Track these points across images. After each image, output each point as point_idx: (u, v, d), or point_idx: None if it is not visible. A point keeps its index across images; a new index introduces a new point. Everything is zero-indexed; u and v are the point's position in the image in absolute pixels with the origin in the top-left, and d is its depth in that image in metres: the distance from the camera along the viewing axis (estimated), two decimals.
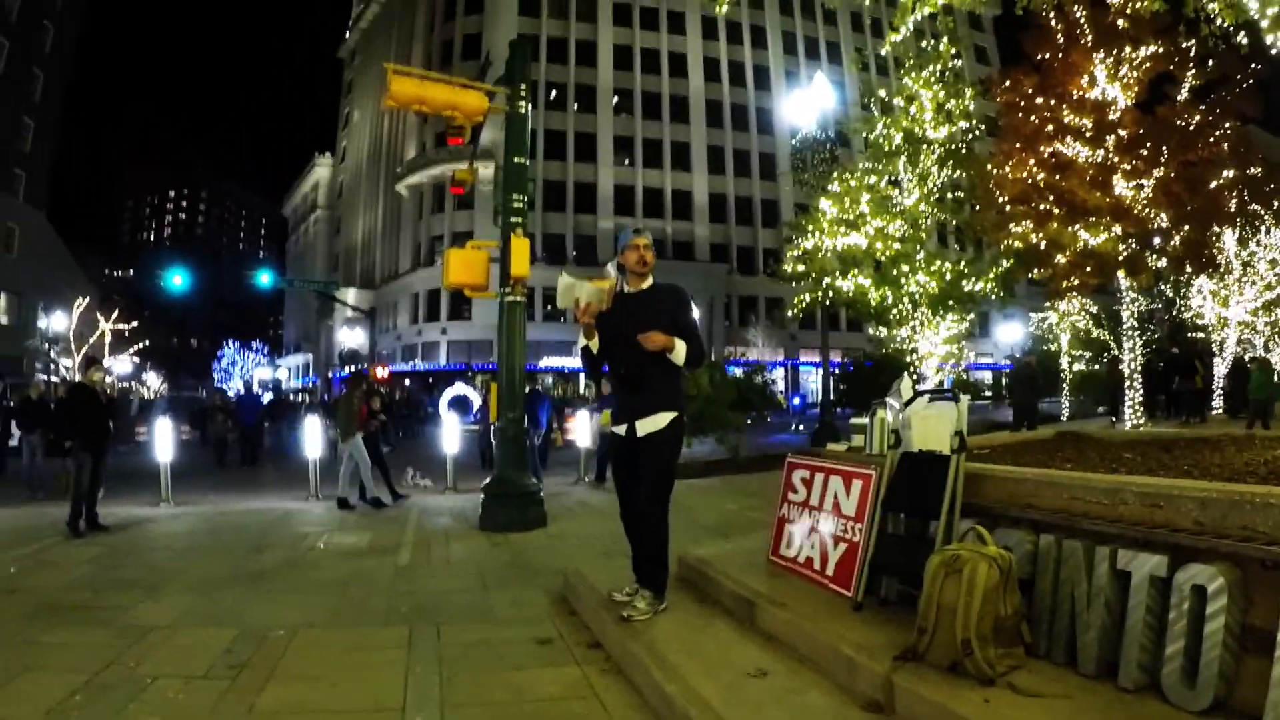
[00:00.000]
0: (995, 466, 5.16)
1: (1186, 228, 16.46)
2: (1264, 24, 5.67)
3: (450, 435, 16.65)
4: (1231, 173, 16.45)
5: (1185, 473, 5.05)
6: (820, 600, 5.28)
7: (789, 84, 64.48)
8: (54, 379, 46.55)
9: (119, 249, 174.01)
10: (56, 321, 53.01)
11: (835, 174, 21.58)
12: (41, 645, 5.81)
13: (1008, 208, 17.85)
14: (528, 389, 13.03)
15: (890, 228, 19.95)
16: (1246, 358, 24.57)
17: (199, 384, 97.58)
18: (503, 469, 11.41)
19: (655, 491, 5.55)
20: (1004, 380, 50.56)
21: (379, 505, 13.11)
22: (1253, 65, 15.22)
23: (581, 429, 17.64)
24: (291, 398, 61.04)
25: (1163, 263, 17.56)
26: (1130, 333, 17.88)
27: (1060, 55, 16.52)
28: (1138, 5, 14.61)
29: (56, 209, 59.67)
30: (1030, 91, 17.02)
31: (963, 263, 20.76)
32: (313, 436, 15.38)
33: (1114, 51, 15.93)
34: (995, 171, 18.21)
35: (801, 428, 34.18)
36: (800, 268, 22.06)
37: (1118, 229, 16.08)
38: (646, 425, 5.52)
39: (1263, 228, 22.96)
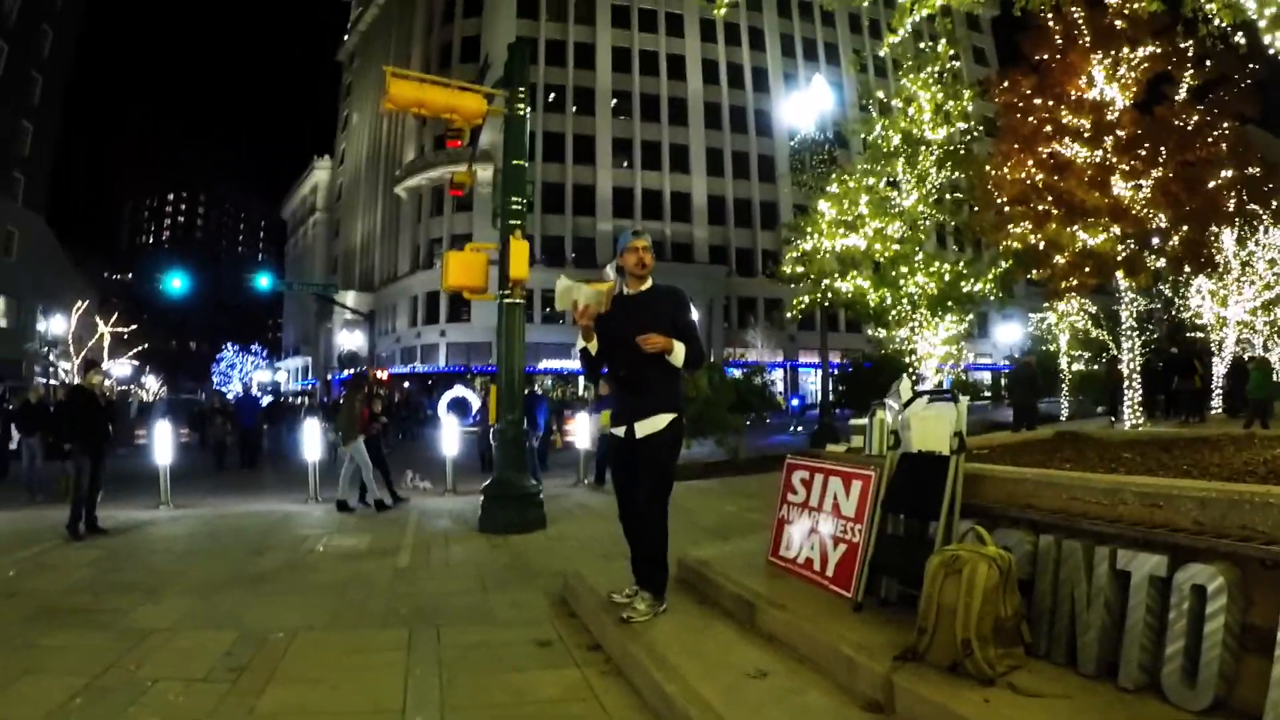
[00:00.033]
0: (994, 467, 5.16)
1: (1185, 228, 16.46)
2: (1262, 24, 5.68)
3: (449, 437, 16.64)
4: (1230, 173, 16.45)
5: (1184, 472, 5.05)
6: (820, 601, 5.28)
7: (787, 86, 64.67)
8: (53, 382, 46.52)
9: (118, 252, 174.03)
10: (55, 325, 52.97)
11: (834, 175, 21.61)
12: (41, 648, 5.80)
13: (1006, 208, 17.85)
14: (525, 391, 13.03)
15: (889, 229, 19.97)
16: (1245, 357, 24.57)
17: (198, 387, 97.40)
18: (502, 471, 11.42)
19: (654, 493, 5.55)
20: (1003, 381, 50.57)
21: (381, 508, 13.10)
22: (1251, 65, 15.22)
23: (581, 431, 17.65)
24: (291, 400, 60.89)
25: (1161, 263, 17.56)
26: (1129, 333, 17.90)
27: (1058, 56, 16.53)
28: (1136, 6, 14.66)
29: (55, 212, 59.66)
30: (1028, 92, 17.03)
31: (961, 263, 20.79)
32: (312, 439, 15.38)
33: (1112, 52, 15.94)
34: (994, 172, 18.20)
35: (800, 429, 34.18)
36: (799, 269, 22.07)
37: (1116, 229, 16.08)
38: (645, 427, 5.53)
39: (1261, 227, 22.97)
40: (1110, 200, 15.96)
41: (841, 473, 5.75)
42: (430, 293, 64.34)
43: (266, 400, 40.77)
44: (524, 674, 5.26)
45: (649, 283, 5.74)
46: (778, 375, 62.44)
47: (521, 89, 11.93)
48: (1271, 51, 5.69)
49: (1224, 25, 9.14)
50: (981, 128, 21.71)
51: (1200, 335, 27.01)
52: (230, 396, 33.43)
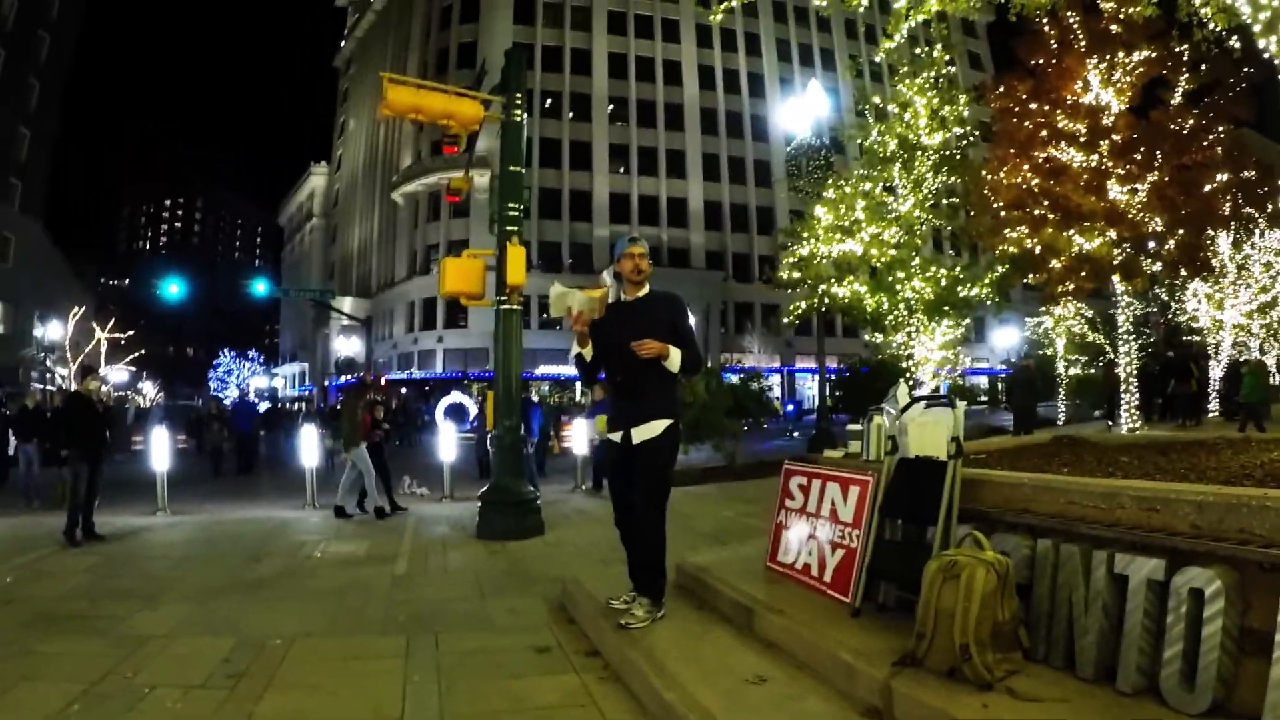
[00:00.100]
0: (992, 472, 5.17)
1: (1181, 231, 16.45)
2: (1256, 28, 5.68)
3: (447, 443, 16.63)
4: (1225, 176, 16.43)
5: (1182, 476, 5.07)
6: (818, 607, 5.28)
7: (784, 91, 64.84)
8: (50, 388, 46.49)
9: (115, 258, 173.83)
10: (52, 330, 53.02)
11: (830, 181, 21.61)
12: (39, 655, 5.79)
13: (1002, 213, 17.83)
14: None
15: (885, 234, 19.97)
16: (1241, 359, 24.61)
17: (195, 393, 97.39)
18: (500, 477, 11.42)
19: (651, 498, 5.55)
20: (999, 385, 50.62)
21: (380, 515, 13.07)
22: (1246, 69, 15.23)
23: (578, 436, 17.64)
24: (288, 406, 60.87)
25: (1157, 266, 17.56)
26: (1126, 336, 17.89)
27: (1054, 61, 16.53)
28: (1131, 10, 14.66)
29: (52, 218, 59.64)
30: (1024, 97, 17.02)
31: (958, 268, 20.79)
32: (309, 445, 15.37)
33: (1107, 56, 15.95)
34: (989, 177, 18.19)
35: (796, 434, 34.19)
36: (796, 274, 22.07)
37: (1112, 233, 16.07)
38: (642, 432, 5.54)
39: (1257, 231, 23.02)
40: (1106, 204, 15.96)
41: (839, 478, 5.76)
42: (427, 298, 64.41)
43: (264, 406, 40.73)
44: (522, 680, 5.26)
45: (646, 288, 5.76)
46: (774, 380, 62.42)
47: (518, 95, 11.95)
48: (1266, 55, 5.70)
49: (1219, 29, 9.16)
50: (977, 133, 21.74)
51: (1197, 338, 27.06)
52: (227, 402, 33.34)
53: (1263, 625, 3.19)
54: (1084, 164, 16.15)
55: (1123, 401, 17.81)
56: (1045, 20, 15.51)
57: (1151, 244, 16.79)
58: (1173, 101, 16.29)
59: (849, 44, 75.25)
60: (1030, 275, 19.03)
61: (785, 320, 24.44)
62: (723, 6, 9.55)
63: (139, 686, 5.11)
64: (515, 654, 5.80)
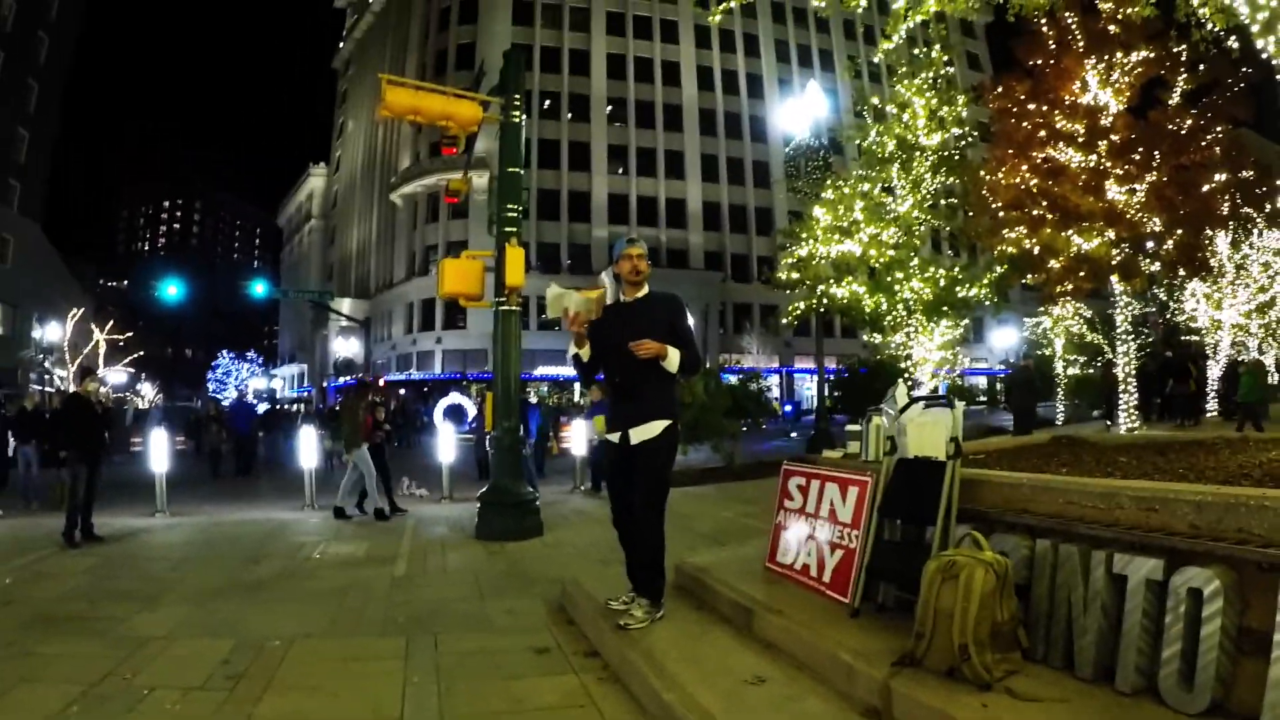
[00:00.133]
0: (991, 472, 5.18)
1: (1179, 231, 16.46)
2: (1254, 28, 5.68)
3: (445, 445, 16.62)
4: (1224, 176, 16.45)
5: (1180, 476, 5.07)
6: (817, 607, 5.29)
7: (782, 92, 64.91)
8: (49, 389, 46.49)
9: (114, 259, 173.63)
10: (51, 332, 52.99)
11: (829, 181, 21.60)
12: (38, 656, 5.79)
13: (1001, 213, 17.83)
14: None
15: (884, 234, 19.96)
16: (1240, 358, 24.63)
17: (194, 394, 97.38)
18: (499, 478, 11.42)
19: (650, 499, 5.55)
20: (999, 385, 50.63)
21: (380, 516, 13.05)
22: (1244, 69, 15.24)
23: (577, 437, 17.65)
24: (288, 408, 60.84)
25: (1156, 266, 17.56)
26: (1124, 336, 17.89)
27: (1052, 61, 16.54)
28: (1129, 11, 14.66)
29: (51, 219, 59.57)
30: (1022, 97, 17.02)
31: (957, 269, 20.79)
32: (308, 446, 15.37)
33: (1106, 57, 15.96)
34: (988, 177, 18.20)
35: (795, 435, 34.18)
36: (794, 275, 22.06)
37: (1111, 233, 16.07)
38: (640, 433, 5.54)
39: (1255, 231, 23.03)
40: (1105, 205, 15.96)
41: (838, 479, 5.77)
42: (426, 300, 64.44)
43: (263, 407, 40.69)
44: (522, 681, 5.26)
45: (645, 289, 5.77)
46: (773, 381, 62.42)
47: (517, 96, 11.95)
48: (1265, 55, 5.70)
49: (1217, 30, 9.16)
50: (976, 133, 21.73)
51: (1195, 338, 27.06)
52: (225, 404, 33.34)
53: (1261, 625, 3.19)
54: (1082, 164, 16.15)
55: (1121, 401, 17.82)
56: (1044, 21, 15.52)
57: (1150, 244, 16.79)
58: (1171, 102, 16.29)
59: (847, 45, 75.25)
60: (1029, 275, 19.04)
61: (784, 321, 24.41)
62: (721, 7, 9.56)
63: (138, 688, 5.11)
64: (514, 655, 5.80)
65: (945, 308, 20.00)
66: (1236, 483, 4.48)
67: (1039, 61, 16.76)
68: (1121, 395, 17.82)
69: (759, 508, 10.61)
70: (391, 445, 15.00)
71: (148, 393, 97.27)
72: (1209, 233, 18.25)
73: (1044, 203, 16.70)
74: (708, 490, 15.68)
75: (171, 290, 39.75)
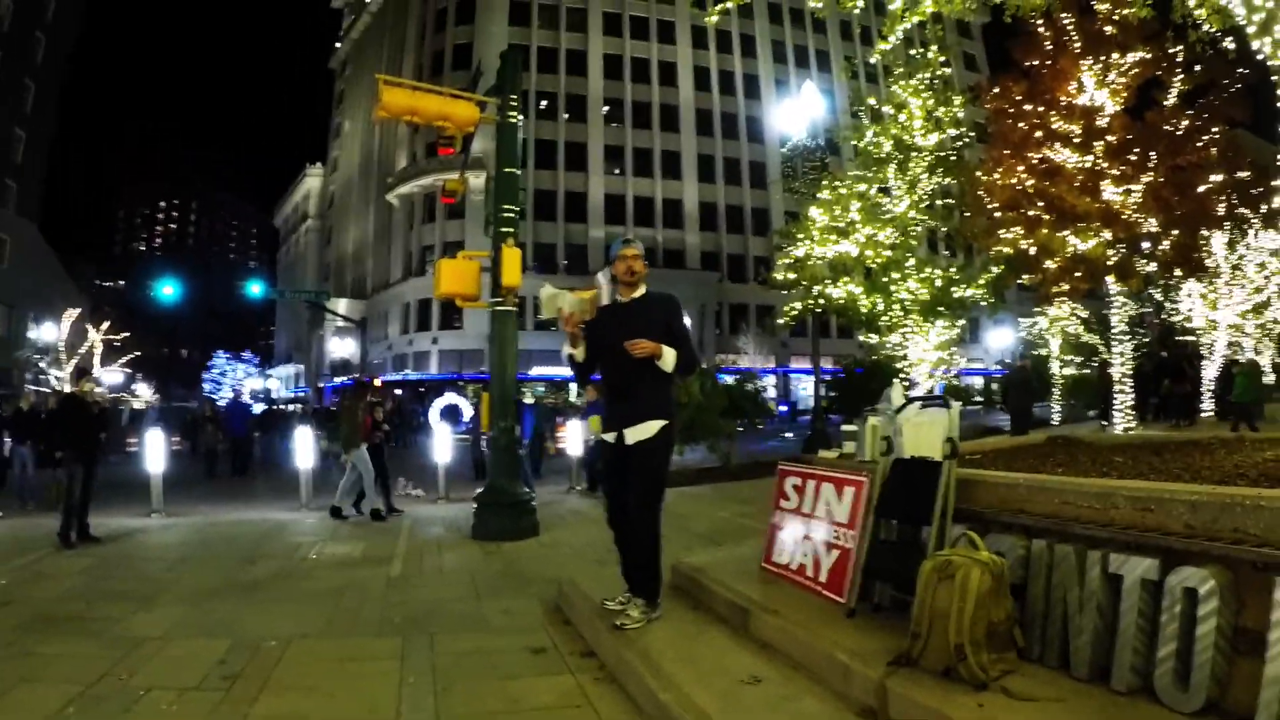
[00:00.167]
0: (987, 472, 5.18)
1: (1175, 232, 16.48)
2: (1250, 29, 5.69)
3: (442, 445, 16.61)
4: (1220, 177, 16.46)
5: (1176, 476, 5.08)
6: (814, 607, 5.29)
7: (779, 92, 64.94)
8: (45, 390, 46.41)
9: (110, 259, 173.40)
10: (47, 332, 52.90)
11: (825, 182, 21.61)
12: (35, 657, 5.78)
13: (997, 214, 17.84)
14: None
15: (881, 235, 19.98)
16: (1236, 359, 24.65)
17: (189, 394, 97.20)
18: (495, 478, 11.42)
19: (645, 499, 5.55)
20: (994, 386, 50.67)
21: (376, 517, 13.03)
22: (1240, 70, 15.26)
23: (573, 437, 17.65)
24: (285, 408, 60.77)
25: (1152, 267, 17.58)
26: (1120, 337, 17.91)
27: (1049, 62, 16.56)
28: (1125, 11, 14.68)
29: (48, 219, 59.51)
30: (1019, 98, 17.03)
31: (953, 269, 20.82)
32: (304, 447, 15.36)
33: (1102, 58, 15.98)
34: (984, 178, 18.21)
35: (790, 435, 34.16)
36: (791, 275, 22.07)
37: (1107, 234, 16.09)
38: (636, 433, 5.55)
39: (1251, 231, 23.06)
40: (1101, 205, 15.98)
41: (834, 479, 5.78)
42: (422, 300, 64.47)
43: (259, 408, 40.65)
44: (518, 681, 5.26)
45: (642, 289, 5.77)
46: (770, 381, 62.45)
47: (514, 96, 11.95)
48: (1261, 56, 5.71)
49: (1213, 30, 9.17)
50: (973, 134, 21.75)
51: (1191, 339, 27.08)
52: (221, 404, 33.30)
53: (1256, 624, 3.20)
54: (1079, 165, 16.17)
55: (1117, 402, 17.84)
56: (1040, 21, 15.55)
57: (1146, 244, 16.81)
58: (1167, 102, 16.32)
59: (844, 45, 75.29)
60: (1025, 276, 19.07)
61: (780, 321, 24.45)
62: (718, 8, 9.56)
63: (134, 688, 5.11)
64: (511, 655, 5.80)
65: (941, 308, 20.02)
66: (1232, 483, 4.49)
67: (1036, 62, 16.79)
68: (1117, 395, 17.84)
69: (755, 508, 10.60)
70: (390, 446, 14.97)
71: (144, 393, 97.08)
72: (1205, 233, 18.29)
73: (1040, 203, 16.72)
74: (704, 490, 15.68)
75: (168, 290, 39.74)
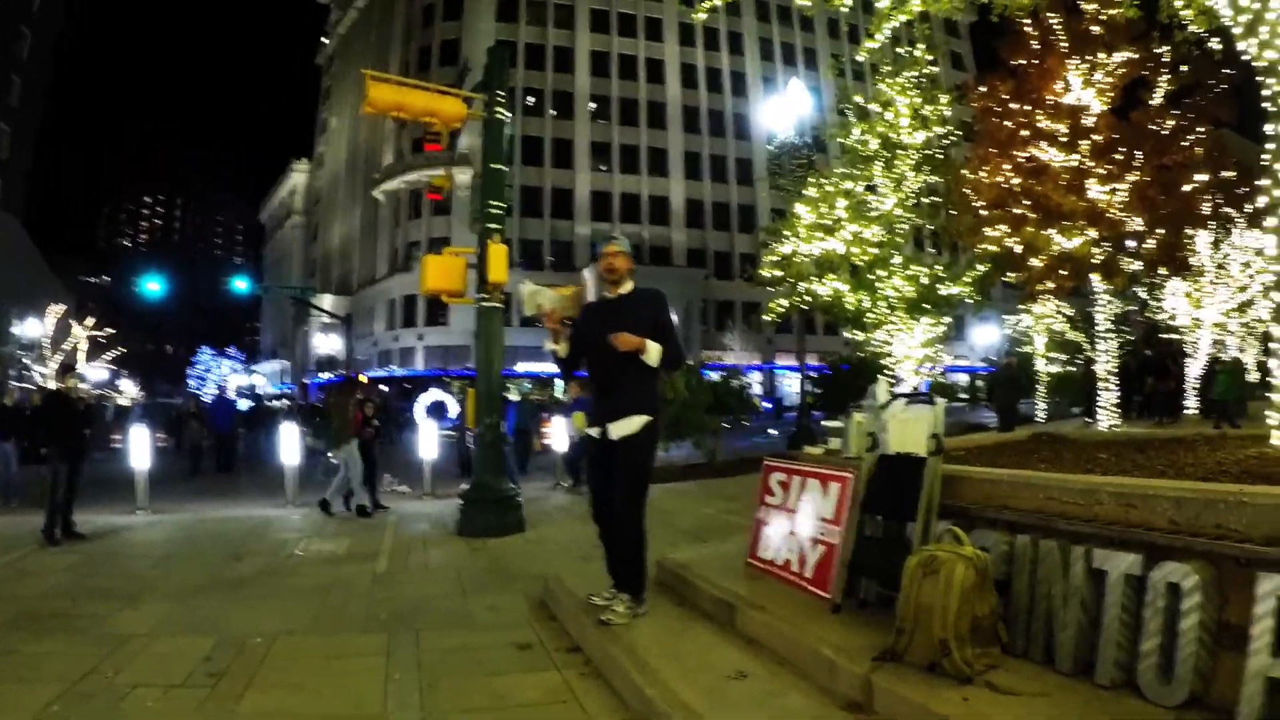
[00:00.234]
0: (971, 468, 5.19)
1: (1160, 231, 16.55)
2: (1237, 30, 5.73)
3: (427, 441, 16.60)
4: (1205, 177, 16.54)
5: (1159, 473, 5.10)
6: (799, 603, 5.31)
7: (766, 90, 64.98)
8: (29, 386, 46.19)
9: (95, 255, 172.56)
10: (31, 328, 52.64)
11: (812, 179, 21.64)
12: (20, 654, 5.77)
13: (983, 212, 17.89)
14: None
15: (866, 232, 20.02)
16: (1219, 357, 24.75)
17: (174, 390, 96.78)
18: (480, 474, 11.42)
19: (630, 494, 5.57)
20: (978, 382, 50.86)
21: (363, 513, 13.02)
22: (1226, 71, 15.33)
23: (559, 434, 17.65)
24: (272, 404, 60.63)
25: (1137, 265, 17.64)
26: (1105, 334, 17.96)
27: (1035, 61, 16.60)
28: (1112, 11, 14.73)
29: (32, 214, 59.34)
30: (1005, 97, 17.09)
31: (939, 267, 20.88)
32: (290, 443, 15.32)
33: (1089, 57, 16.03)
34: (971, 176, 18.27)
35: (774, 432, 34.16)
36: (777, 272, 22.11)
37: (1092, 232, 16.14)
38: (620, 428, 5.55)
39: (1235, 230, 23.15)
40: (1086, 204, 16.03)
41: (819, 475, 5.79)
42: (408, 296, 64.41)
43: (246, 404, 40.48)
44: (504, 677, 5.27)
45: (629, 285, 5.78)
46: (755, 378, 62.53)
47: (501, 93, 11.95)
48: (1246, 57, 5.75)
49: (1199, 31, 9.22)
50: (959, 132, 21.81)
51: (1175, 337, 27.17)
52: (206, 399, 33.17)
53: (1239, 619, 3.22)
54: (1064, 164, 16.23)
55: (1101, 399, 17.90)
56: (1027, 21, 15.59)
57: (1131, 243, 16.87)
58: (1153, 102, 16.38)
59: (831, 43, 75.33)
60: (1010, 273, 19.12)
61: (766, 318, 24.48)
62: (705, 5, 9.58)
63: (120, 686, 5.10)
64: (497, 651, 5.81)
65: (927, 305, 20.09)
66: (1215, 479, 4.51)
67: (1022, 61, 16.84)
68: (1102, 393, 17.90)
69: (740, 504, 10.62)
70: (380, 442, 14.95)
71: (129, 389, 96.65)
72: (1190, 232, 18.36)
73: (1026, 201, 16.77)
74: (689, 487, 15.69)
75: (153, 286, 39.57)
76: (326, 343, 65.19)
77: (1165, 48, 15.43)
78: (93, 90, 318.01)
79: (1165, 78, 16.12)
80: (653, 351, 5.47)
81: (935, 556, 3.99)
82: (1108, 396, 17.73)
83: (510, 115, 12.43)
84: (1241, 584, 3.25)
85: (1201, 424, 18.78)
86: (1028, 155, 16.71)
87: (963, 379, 60.00)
